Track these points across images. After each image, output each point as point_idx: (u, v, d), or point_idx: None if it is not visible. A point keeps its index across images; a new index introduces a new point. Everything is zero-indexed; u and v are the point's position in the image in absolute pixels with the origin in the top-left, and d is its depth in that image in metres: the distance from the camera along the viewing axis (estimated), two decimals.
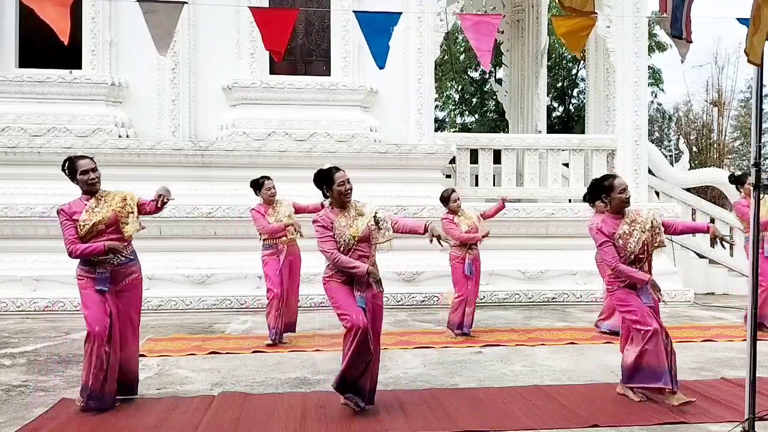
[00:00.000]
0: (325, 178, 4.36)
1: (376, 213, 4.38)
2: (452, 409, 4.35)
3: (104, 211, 4.44)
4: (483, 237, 6.85)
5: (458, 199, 6.95)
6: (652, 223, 4.54)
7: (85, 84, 9.52)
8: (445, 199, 6.96)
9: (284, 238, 6.53)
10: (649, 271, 4.60)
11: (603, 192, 4.60)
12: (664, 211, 9.84)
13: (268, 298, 6.49)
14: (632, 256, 4.49)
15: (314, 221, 4.36)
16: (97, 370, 4.28)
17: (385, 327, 7.44)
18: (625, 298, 4.54)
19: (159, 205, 4.56)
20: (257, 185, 6.65)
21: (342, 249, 4.27)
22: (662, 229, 4.60)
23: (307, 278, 8.30)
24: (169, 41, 5.36)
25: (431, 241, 4.39)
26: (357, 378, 4.22)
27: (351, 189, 4.37)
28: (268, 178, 6.67)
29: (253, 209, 6.65)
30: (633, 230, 4.52)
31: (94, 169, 4.50)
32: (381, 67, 5.48)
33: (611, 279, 4.66)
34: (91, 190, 4.49)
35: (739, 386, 4.34)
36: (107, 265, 4.41)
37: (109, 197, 4.53)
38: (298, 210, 6.66)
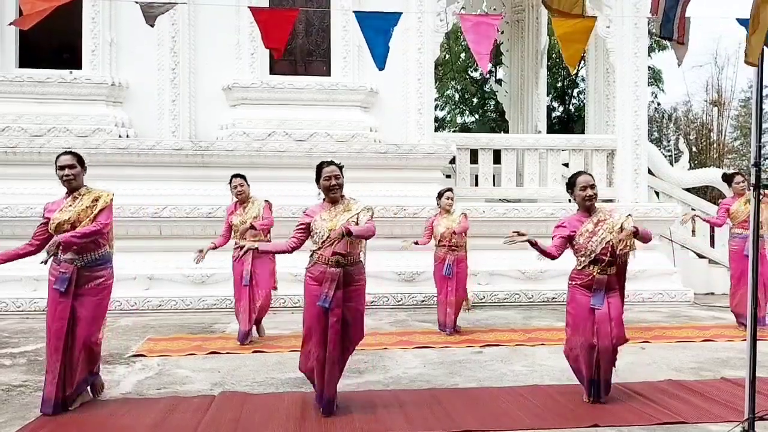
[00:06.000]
0: (316, 172, 4.41)
1: (360, 211, 4.36)
2: (452, 409, 4.36)
3: (72, 211, 4.29)
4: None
5: (449, 198, 7.08)
6: (622, 225, 4.48)
7: (85, 84, 9.51)
8: (438, 196, 7.18)
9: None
10: (622, 275, 4.61)
11: (569, 188, 4.69)
12: (664, 211, 9.85)
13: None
14: (592, 255, 4.49)
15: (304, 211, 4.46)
16: (49, 377, 4.26)
17: (385, 327, 7.49)
18: (572, 298, 4.62)
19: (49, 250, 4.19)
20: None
21: (319, 241, 4.28)
22: (635, 231, 4.44)
23: (301, 279, 8.29)
24: (158, 16, 5.32)
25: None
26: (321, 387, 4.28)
27: (338, 185, 4.35)
28: (238, 176, 6.65)
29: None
30: (598, 230, 4.51)
31: (71, 166, 4.32)
32: (381, 69, 5.51)
33: (570, 278, 4.69)
34: (66, 187, 4.36)
35: (739, 386, 4.34)
36: (70, 265, 4.25)
37: (86, 197, 4.35)
38: (264, 220, 6.56)
